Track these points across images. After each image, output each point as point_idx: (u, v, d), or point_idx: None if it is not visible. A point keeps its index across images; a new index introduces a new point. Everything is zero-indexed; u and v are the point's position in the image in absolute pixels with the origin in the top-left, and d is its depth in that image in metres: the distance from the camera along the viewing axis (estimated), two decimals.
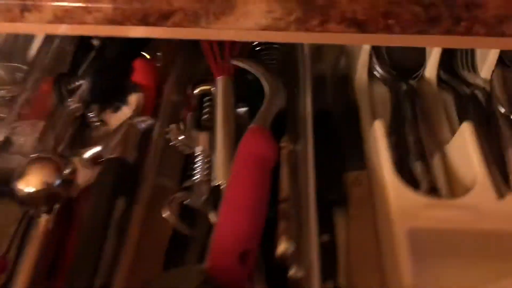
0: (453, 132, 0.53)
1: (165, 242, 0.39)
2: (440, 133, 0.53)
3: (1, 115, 0.49)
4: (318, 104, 0.55)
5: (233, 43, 0.51)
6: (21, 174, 0.41)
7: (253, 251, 0.34)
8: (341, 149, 0.52)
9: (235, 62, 0.49)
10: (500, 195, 0.43)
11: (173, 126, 0.45)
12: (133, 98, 0.47)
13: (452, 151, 0.50)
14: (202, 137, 0.46)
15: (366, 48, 0.58)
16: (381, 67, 0.59)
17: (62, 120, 0.47)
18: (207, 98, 0.51)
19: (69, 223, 0.42)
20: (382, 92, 0.58)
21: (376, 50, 0.59)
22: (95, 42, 0.55)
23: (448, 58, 0.59)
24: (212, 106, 0.49)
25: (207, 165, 0.43)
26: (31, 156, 0.42)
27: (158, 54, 0.54)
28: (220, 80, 0.49)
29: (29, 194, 0.41)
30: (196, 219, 0.40)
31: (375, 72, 0.59)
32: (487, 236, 0.40)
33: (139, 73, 0.51)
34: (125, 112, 0.47)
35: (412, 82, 0.58)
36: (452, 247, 0.41)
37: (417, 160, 0.49)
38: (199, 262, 0.35)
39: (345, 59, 0.62)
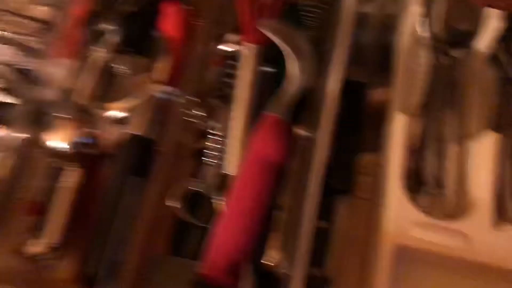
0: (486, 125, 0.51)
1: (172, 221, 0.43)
2: (471, 124, 0.51)
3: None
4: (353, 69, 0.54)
5: (264, 4, 0.48)
6: (51, 130, 0.45)
7: (244, 260, 0.38)
8: (362, 129, 0.51)
9: (262, 29, 0.47)
10: (497, 224, 0.43)
11: (190, 98, 0.46)
12: (160, 61, 0.47)
13: (471, 155, 0.48)
14: (220, 111, 0.46)
15: (414, 10, 0.52)
16: (428, 30, 0.54)
17: (89, 69, 0.47)
18: (232, 62, 0.49)
19: (93, 177, 0.47)
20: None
21: (427, 8, 0.53)
22: None
23: None
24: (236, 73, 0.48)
25: (220, 146, 0.45)
26: (61, 113, 0.45)
27: None
28: (247, 48, 0.47)
29: (58, 150, 0.45)
30: (203, 203, 0.44)
31: (419, 35, 0.55)
32: (473, 265, 0.42)
33: (169, 22, 0.49)
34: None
35: (457, 53, 0.53)
36: (437, 270, 0.43)
37: (433, 155, 0.49)
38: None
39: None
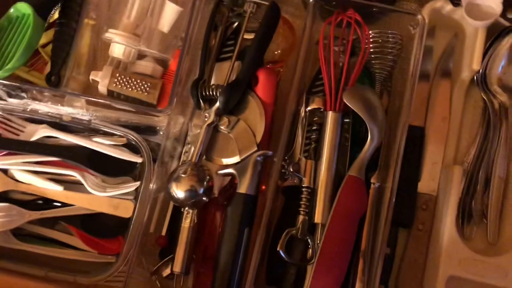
0: None
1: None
2: None
3: None
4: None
5: (348, 79, 0.57)
6: (175, 181, 0.56)
7: None
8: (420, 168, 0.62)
9: (345, 99, 0.56)
10: None
11: (287, 157, 0.57)
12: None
13: None
14: (308, 167, 0.57)
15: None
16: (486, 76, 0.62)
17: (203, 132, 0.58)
18: (316, 119, 0.59)
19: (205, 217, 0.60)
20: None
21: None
22: None
23: None
24: (321, 133, 0.58)
25: (310, 197, 0.56)
26: (184, 170, 0.56)
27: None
28: (330, 115, 0.57)
29: (179, 198, 0.57)
30: (297, 244, 0.56)
31: (475, 77, 0.63)
32: None
33: (261, 87, 0.59)
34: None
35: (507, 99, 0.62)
36: None
37: (479, 195, 0.60)
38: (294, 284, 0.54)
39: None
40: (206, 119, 0.58)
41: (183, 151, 0.61)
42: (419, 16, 0.59)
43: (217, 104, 0.58)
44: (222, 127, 0.58)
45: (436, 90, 0.64)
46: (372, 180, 0.57)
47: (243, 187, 0.56)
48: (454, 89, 0.64)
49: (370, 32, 0.61)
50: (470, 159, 0.61)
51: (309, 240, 0.56)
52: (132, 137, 0.59)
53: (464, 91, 0.64)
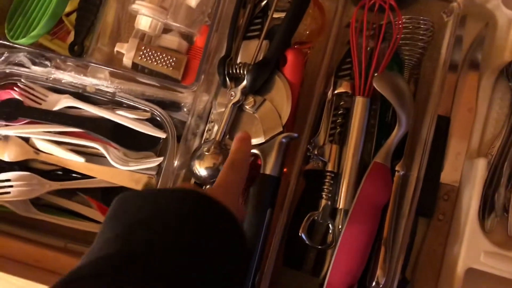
0: None
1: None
2: None
3: None
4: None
5: (379, 64, 0.56)
6: (198, 159, 0.56)
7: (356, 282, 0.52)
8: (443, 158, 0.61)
9: (375, 84, 0.55)
10: None
11: (312, 141, 0.56)
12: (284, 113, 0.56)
13: None
14: (333, 151, 0.57)
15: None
16: None
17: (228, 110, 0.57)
18: (342, 103, 0.58)
19: None
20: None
21: None
22: None
23: None
24: (347, 117, 0.57)
25: (333, 182, 0.56)
26: (207, 148, 0.55)
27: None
28: (358, 100, 0.56)
29: (202, 175, 0.56)
30: (318, 228, 0.56)
31: (505, 68, 0.62)
32: None
33: (289, 67, 0.58)
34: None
35: None
36: None
37: (502, 188, 0.59)
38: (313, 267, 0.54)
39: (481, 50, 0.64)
40: (232, 98, 0.57)
41: (206, 129, 0.60)
42: (454, 3, 0.58)
43: (244, 82, 0.57)
44: (247, 107, 0.57)
45: (464, 80, 0.63)
46: (397, 168, 0.57)
47: (267, 168, 0.55)
48: (482, 80, 0.63)
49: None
50: (494, 152, 0.60)
51: (330, 225, 0.56)
52: (156, 112, 0.59)
53: (492, 82, 0.63)
